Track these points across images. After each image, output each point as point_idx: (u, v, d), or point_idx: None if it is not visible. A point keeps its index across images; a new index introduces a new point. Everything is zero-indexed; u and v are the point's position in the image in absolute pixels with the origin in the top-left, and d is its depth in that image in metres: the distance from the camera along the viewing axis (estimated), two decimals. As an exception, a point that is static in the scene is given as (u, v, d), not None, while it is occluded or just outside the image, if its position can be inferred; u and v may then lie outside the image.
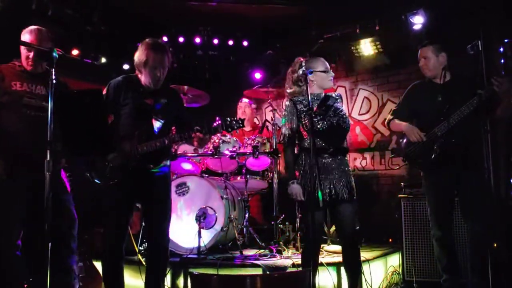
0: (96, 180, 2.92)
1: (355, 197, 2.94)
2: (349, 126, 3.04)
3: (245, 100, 5.10)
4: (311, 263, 2.66)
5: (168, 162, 3.10)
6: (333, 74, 3.09)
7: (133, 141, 2.88)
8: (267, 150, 4.36)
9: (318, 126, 2.89)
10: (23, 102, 2.88)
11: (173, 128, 3.25)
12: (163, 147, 2.91)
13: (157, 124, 2.97)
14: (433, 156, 3.18)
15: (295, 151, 3.01)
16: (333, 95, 3.08)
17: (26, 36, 2.94)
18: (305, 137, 2.96)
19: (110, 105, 2.96)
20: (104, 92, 3.01)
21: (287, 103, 3.02)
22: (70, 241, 3.00)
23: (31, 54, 2.92)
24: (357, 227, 3.01)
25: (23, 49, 2.97)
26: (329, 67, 3.06)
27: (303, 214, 2.94)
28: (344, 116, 3.00)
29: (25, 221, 2.87)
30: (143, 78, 2.97)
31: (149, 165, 2.94)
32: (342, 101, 3.13)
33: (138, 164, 2.89)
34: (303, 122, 2.93)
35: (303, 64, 2.95)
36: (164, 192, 3.09)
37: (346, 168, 2.96)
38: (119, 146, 2.88)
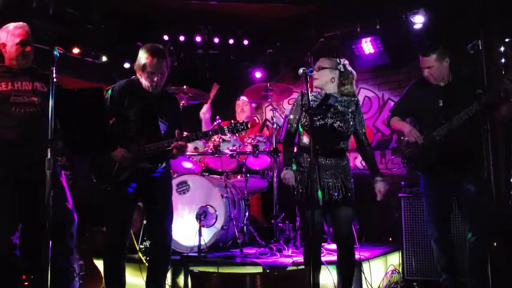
0: (102, 183, 2.95)
1: (351, 200, 2.88)
2: (349, 131, 2.91)
3: (243, 98, 5.05)
4: (311, 262, 2.66)
5: (168, 163, 3.12)
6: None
7: (141, 141, 2.92)
8: (267, 149, 4.37)
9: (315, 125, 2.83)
10: (11, 100, 2.81)
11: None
12: (165, 149, 2.93)
13: (162, 126, 3.00)
14: (430, 161, 3.18)
15: (294, 146, 3.01)
16: (352, 99, 2.96)
17: (18, 31, 2.85)
18: (304, 135, 2.95)
19: (114, 108, 2.98)
20: (107, 95, 3.01)
21: (298, 96, 3.01)
22: (68, 241, 2.96)
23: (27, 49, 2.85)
24: (357, 227, 2.99)
25: (12, 45, 2.85)
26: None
27: (301, 213, 2.92)
28: (348, 120, 2.89)
29: (22, 220, 2.85)
30: (143, 82, 3.00)
31: (150, 165, 2.96)
32: (356, 106, 2.95)
33: (143, 165, 2.93)
34: (304, 119, 2.92)
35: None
36: (166, 192, 3.11)
37: (343, 170, 2.89)
38: (127, 146, 2.90)
